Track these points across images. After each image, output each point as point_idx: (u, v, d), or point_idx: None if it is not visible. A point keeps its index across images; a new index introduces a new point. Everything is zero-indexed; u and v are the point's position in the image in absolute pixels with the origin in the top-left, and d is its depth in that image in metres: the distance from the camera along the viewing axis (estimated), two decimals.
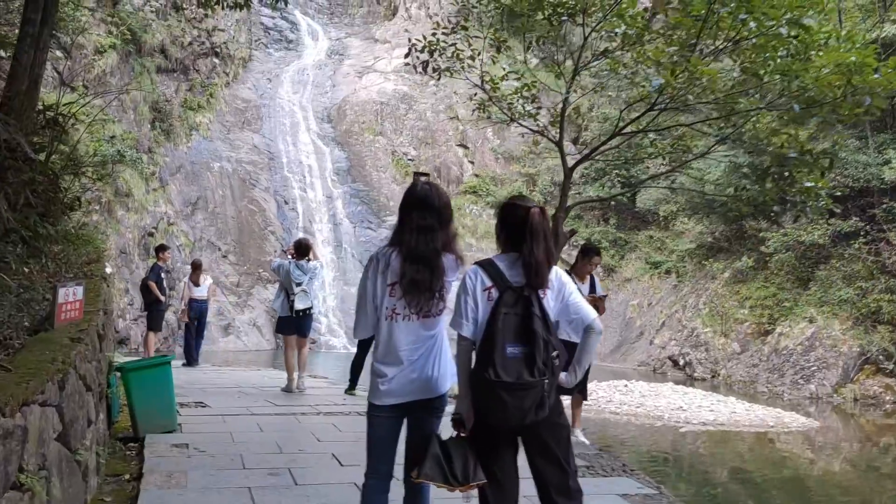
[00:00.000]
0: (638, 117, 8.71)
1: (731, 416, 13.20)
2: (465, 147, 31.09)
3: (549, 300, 3.29)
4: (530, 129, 9.33)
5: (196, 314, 13.31)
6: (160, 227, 24.86)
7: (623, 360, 24.71)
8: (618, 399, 13.42)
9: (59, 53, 22.78)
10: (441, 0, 36.26)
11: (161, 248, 13.99)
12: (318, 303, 11.21)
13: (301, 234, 27.44)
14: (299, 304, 9.53)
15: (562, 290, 3.34)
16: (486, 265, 3.33)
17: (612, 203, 28.07)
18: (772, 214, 10.90)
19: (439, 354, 3.47)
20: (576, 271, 7.54)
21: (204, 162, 27.87)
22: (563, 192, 8.44)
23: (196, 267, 13.56)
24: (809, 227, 19.20)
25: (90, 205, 21.82)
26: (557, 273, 3.36)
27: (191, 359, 13.36)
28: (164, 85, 28.17)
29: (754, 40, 7.52)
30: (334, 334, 26.49)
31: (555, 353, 3.16)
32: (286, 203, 28.70)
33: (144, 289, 13.33)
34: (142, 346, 14.53)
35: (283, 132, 30.88)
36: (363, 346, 9.57)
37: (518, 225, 3.26)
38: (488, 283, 3.27)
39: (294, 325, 9.71)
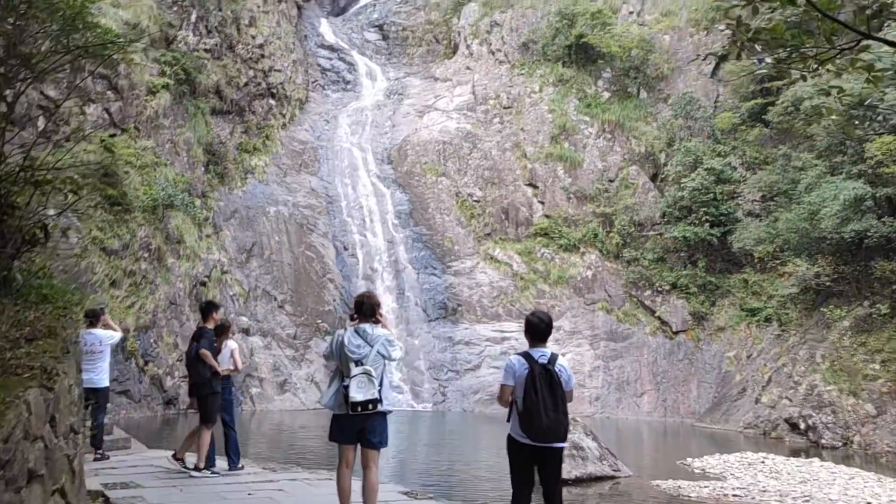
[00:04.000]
0: None
1: None
2: (535, 186, 28.94)
3: None
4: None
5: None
6: (213, 275, 23.23)
7: (724, 420, 21.78)
8: (769, 485, 10.61)
9: (110, 94, 21.63)
10: (504, 36, 34.62)
11: (210, 307, 10.13)
12: (391, 390, 6.83)
13: (360, 282, 25.47)
14: (356, 394, 5.93)
15: None
16: None
17: (702, 243, 25.42)
18: None
19: None
20: None
21: (259, 206, 26.36)
22: None
23: (221, 331, 9.92)
24: None
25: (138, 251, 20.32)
26: None
27: (207, 459, 9.52)
28: (218, 127, 26.93)
29: None
30: (397, 390, 24.27)
31: None
32: (345, 249, 26.89)
33: (194, 362, 9.40)
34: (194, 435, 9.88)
35: (342, 174, 29.27)
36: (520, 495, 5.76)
37: None
38: None
39: (352, 429, 6.10)
